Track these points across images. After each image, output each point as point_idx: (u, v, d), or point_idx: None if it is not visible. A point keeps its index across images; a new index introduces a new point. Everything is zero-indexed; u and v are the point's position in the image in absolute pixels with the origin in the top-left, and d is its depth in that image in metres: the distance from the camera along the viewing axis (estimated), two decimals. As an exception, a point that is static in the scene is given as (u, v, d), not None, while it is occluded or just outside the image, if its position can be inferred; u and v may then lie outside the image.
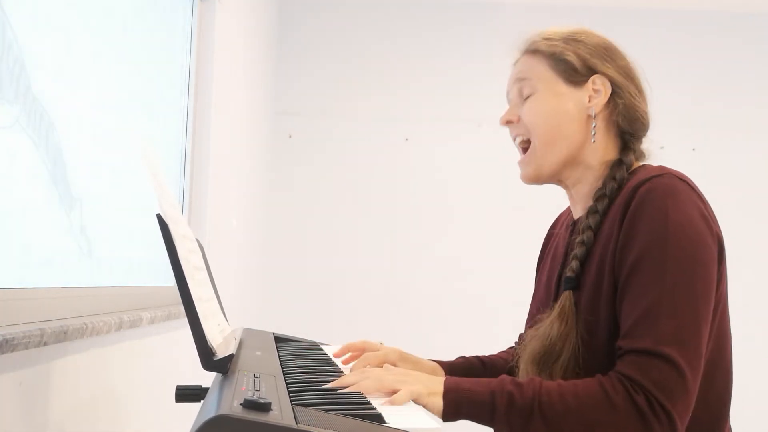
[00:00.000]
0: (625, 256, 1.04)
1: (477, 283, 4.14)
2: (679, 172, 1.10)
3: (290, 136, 4.27)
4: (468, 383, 1.03)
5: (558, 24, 1.25)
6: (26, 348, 1.03)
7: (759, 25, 4.36)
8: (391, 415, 0.84)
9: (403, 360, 1.27)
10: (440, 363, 1.32)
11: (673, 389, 0.96)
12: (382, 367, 1.15)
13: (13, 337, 0.99)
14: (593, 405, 0.97)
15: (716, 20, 4.36)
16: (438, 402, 1.01)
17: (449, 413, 1.01)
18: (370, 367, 1.20)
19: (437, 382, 1.03)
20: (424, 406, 1.00)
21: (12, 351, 0.99)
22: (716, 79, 4.33)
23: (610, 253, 1.07)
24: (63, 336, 1.16)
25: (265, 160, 3.93)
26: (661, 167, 1.13)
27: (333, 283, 4.19)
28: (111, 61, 1.67)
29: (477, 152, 4.12)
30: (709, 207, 1.10)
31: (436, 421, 0.85)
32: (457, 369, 1.32)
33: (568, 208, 1.31)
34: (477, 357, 1.37)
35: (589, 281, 1.10)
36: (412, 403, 0.98)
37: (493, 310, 3.92)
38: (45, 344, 1.10)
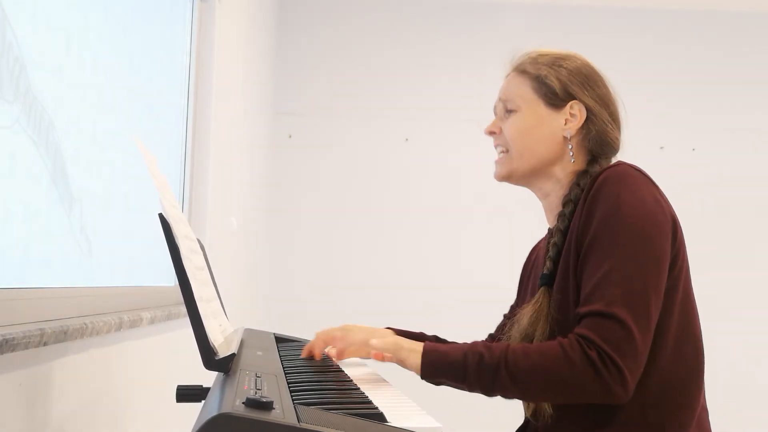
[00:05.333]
0: (584, 237, 1.16)
1: (477, 283, 4.14)
2: (633, 164, 1.21)
3: (290, 136, 4.27)
4: (444, 347, 1.16)
5: (550, 46, 1.35)
6: (26, 348, 1.03)
7: (759, 25, 4.36)
8: (393, 414, 0.85)
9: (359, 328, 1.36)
10: (393, 330, 1.42)
11: (622, 345, 1.07)
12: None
13: (13, 337, 0.99)
14: (553, 361, 1.09)
15: (716, 20, 4.36)
16: (416, 360, 1.14)
17: (426, 372, 1.14)
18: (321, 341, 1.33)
19: (417, 344, 1.16)
20: (404, 360, 1.14)
21: (12, 351, 0.99)
22: (716, 79, 4.33)
23: (574, 237, 1.19)
24: (63, 336, 1.15)
25: (265, 160, 3.93)
26: (617, 161, 1.25)
27: (333, 283, 4.19)
28: (111, 61, 1.67)
29: (477, 152, 4.11)
30: (663, 193, 1.20)
31: (436, 421, 0.85)
32: (406, 337, 1.41)
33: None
34: (435, 336, 1.51)
35: (560, 270, 1.21)
36: (413, 403, 0.98)
37: (495, 309, 3.91)
38: (45, 344, 1.10)
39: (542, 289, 1.24)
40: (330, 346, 1.31)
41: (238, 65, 2.95)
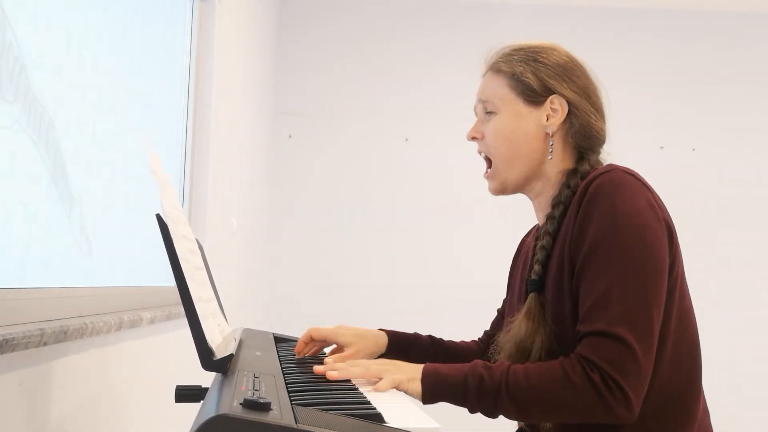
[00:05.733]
0: (579, 248, 1.12)
1: (477, 283, 4.14)
2: (626, 167, 1.16)
3: (290, 136, 4.27)
4: (444, 368, 1.12)
5: (525, 40, 1.31)
6: (26, 348, 1.03)
7: (759, 25, 4.36)
8: (391, 414, 0.85)
9: (340, 335, 1.35)
10: (387, 331, 1.41)
11: (625, 366, 1.04)
12: (324, 341, 1.36)
13: (13, 337, 0.99)
14: (554, 383, 1.06)
15: (716, 20, 4.36)
16: (417, 387, 1.10)
17: (427, 396, 1.10)
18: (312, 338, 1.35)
19: (416, 369, 1.12)
20: (405, 392, 1.09)
21: (12, 351, 0.99)
22: (716, 79, 4.33)
23: (567, 246, 1.15)
24: (63, 336, 1.16)
25: (265, 160, 3.93)
26: (609, 165, 1.19)
27: (333, 283, 4.19)
28: (111, 61, 1.67)
29: (477, 152, 4.11)
30: (657, 196, 1.16)
31: (435, 421, 0.85)
32: (399, 338, 1.42)
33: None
34: (430, 336, 1.47)
35: (552, 278, 1.18)
36: (411, 403, 0.99)
37: (494, 309, 3.91)
38: (45, 344, 1.10)
39: (532, 295, 1.20)
40: (330, 355, 1.31)
41: (238, 65, 2.95)
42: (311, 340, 1.36)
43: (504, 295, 1.51)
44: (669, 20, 4.36)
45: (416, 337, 1.45)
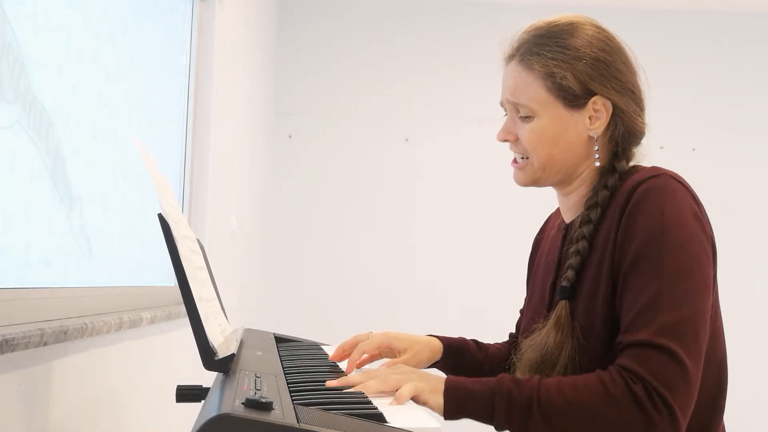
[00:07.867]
0: (624, 254, 1.04)
1: (477, 281, 4.14)
2: (674, 173, 1.09)
3: (290, 136, 4.27)
4: (469, 382, 1.04)
5: (547, 18, 1.22)
6: (26, 348, 1.03)
7: (759, 25, 4.36)
8: (393, 414, 0.84)
9: (396, 339, 1.28)
10: (437, 337, 1.34)
11: (673, 380, 0.95)
12: (378, 352, 1.25)
13: (13, 337, 0.99)
14: (591, 397, 0.97)
15: (716, 20, 4.36)
16: (439, 400, 1.02)
17: (450, 411, 1.02)
18: (366, 355, 1.26)
19: (439, 381, 1.04)
20: (425, 403, 1.02)
21: (12, 351, 0.99)
22: (716, 79, 4.33)
23: (608, 254, 1.07)
24: (63, 336, 1.15)
25: (265, 160, 3.93)
26: (655, 168, 1.11)
27: (333, 283, 4.19)
28: (111, 61, 1.67)
29: (477, 152, 4.11)
30: (703, 209, 1.09)
31: (437, 421, 0.85)
32: (451, 344, 1.34)
33: (557, 210, 1.31)
34: (474, 340, 1.39)
35: (586, 287, 1.10)
36: (412, 403, 0.98)
37: (496, 308, 3.91)
38: (45, 344, 1.10)
39: (563, 303, 1.11)
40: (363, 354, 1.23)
41: (238, 65, 2.95)
42: (352, 348, 1.24)
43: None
44: (669, 20, 4.37)
45: (463, 341, 1.37)
